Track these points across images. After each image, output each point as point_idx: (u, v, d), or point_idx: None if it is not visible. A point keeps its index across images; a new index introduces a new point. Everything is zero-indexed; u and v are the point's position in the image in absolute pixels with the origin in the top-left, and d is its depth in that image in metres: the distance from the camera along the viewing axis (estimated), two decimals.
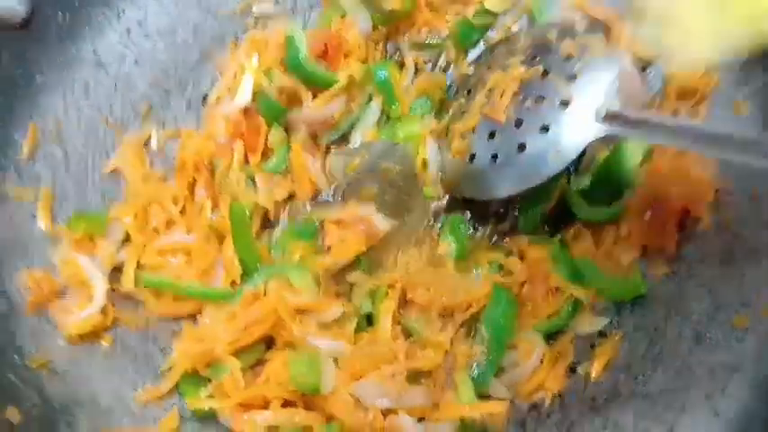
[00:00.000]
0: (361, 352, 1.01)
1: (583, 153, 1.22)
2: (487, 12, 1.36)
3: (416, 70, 1.38)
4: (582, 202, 1.22)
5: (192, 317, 1.11)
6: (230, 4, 1.33)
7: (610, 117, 1.10)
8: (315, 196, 1.30)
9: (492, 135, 1.19)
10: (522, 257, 1.21)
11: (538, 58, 1.19)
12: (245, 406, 0.95)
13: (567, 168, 1.22)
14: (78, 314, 1.01)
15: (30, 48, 1.12)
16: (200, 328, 1.02)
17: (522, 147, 1.15)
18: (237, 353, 0.98)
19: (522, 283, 1.17)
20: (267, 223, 1.26)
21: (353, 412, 0.95)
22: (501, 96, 1.19)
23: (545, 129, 1.13)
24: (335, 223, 1.23)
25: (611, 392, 1.06)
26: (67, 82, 1.17)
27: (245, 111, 1.27)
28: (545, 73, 1.16)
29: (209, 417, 1.01)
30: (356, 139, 1.32)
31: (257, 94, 1.25)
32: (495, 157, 1.18)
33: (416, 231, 1.21)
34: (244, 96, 1.24)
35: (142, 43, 1.26)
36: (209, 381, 1.01)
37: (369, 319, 1.12)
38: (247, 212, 1.16)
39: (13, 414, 0.88)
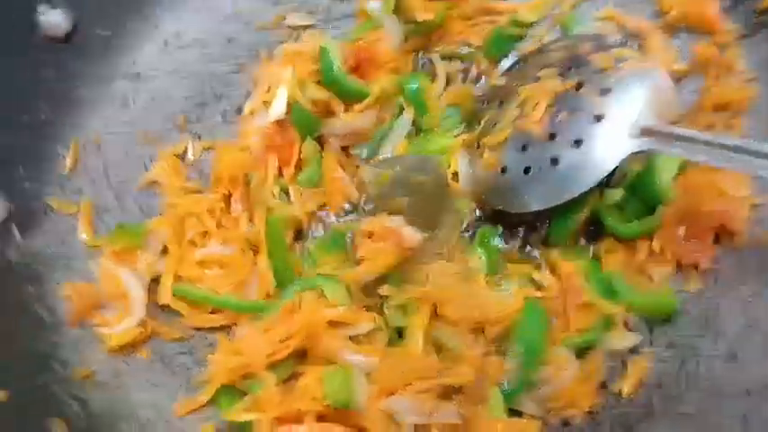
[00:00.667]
0: (394, 367, 1.01)
1: (615, 167, 1.22)
2: (519, 22, 1.35)
3: (447, 81, 1.38)
4: (614, 216, 1.21)
5: (227, 328, 1.13)
6: (265, 15, 1.35)
7: (644, 132, 1.09)
8: (347, 208, 1.31)
9: (524, 148, 1.18)
10: (552, 271, 1.21)
11: (572, 70, 1.18)
12: (281, 419, 0.97)
13: (600, 182, 1.22)
14: (118, 326, 1.04)
15: (72, 61, 1.15)
16: (237, 342, 1.03)
17: (554, 160, 1.14)
18: (272, 366, 1.00)
19: (553, 298, 1.17)
20: (299, 235, 1.28)
21: (387, 427, 0.96)
22: (535, 108, 1.18)
23: (578, 143, 1.12)
24: (367, 236, 1.24)
25: (645, 411, 1.06)
26: (107, 95, 1.20)
27: (279, 123, 1.28)
28: (579, 86, 1.15)
29: (245, 429, 1.03)
30: (387, 152, 1.33)
31: (291, 106, 1.27)
32: (527, 170, 1.17)
33: (447, 244, 1.21)
34: (278, 109, 1.26)
35: (178, 55, 1.28)
36: (246, 393, 1.03)
37: (399, 333, 1.12)
38: (282, 226, 1.16)
39: (59, 426, 0.90)
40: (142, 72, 1.24)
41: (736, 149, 0.98)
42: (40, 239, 1.05)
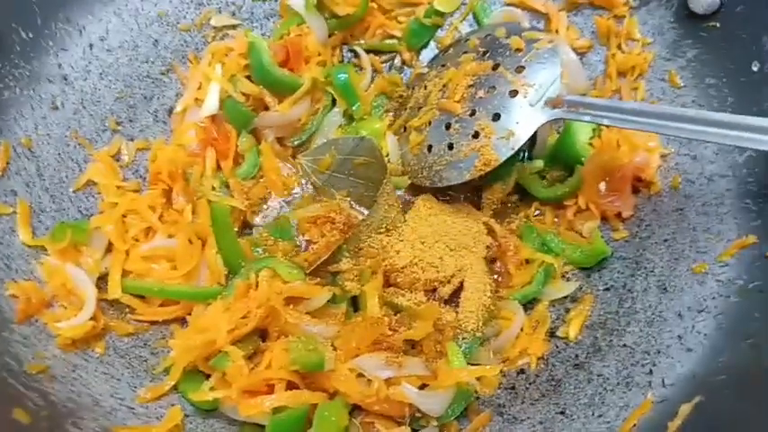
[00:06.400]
0: (355, 330, 1.03)
1: (534, 140, 1.31)
2: (437, 12, 1.43)
3: (374, 72, 1.44)
4: (538, 182, 1.30)
5: (181, 320, 1.11)
6: (189, 17, 1.36)
7: (554, 102, 1.18)
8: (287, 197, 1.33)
9: (447, 126, 1.24)
10: (489, 233, 1.27)
11: (488, 55, 1.27)
12: (250, 393, 0.96)
13: (522, 155, 1.30)
14: (71, 321, 1.01)
15: None
16: (199, 321, 1.02)
17: (476, 135, 1.21)
18: (235, 343, 0.99)
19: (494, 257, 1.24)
20: (244, 228, 1.28)
21: (357, 386, 0.97)
22: (455, 89, 1.25)
23: (497, 117, 1.20)
24: (312, 221, 1.26)
25: (592, 349, 1.13)
26: (35, 97, 1.18)
27: (213, 118, 1.29)
28: (495, 66, 1.23)
29: (210, 411, 1.02)
30: (320, 141, 1.36)
31: (224, 101, 1.28)
32: (450, 146, 1.23)
33: (386, 220, 1.25)
34: (211, 104, 1.27)
35: (105, 58, 1.27)
36: (207, 377, 1.02)
37: (355, 307, 1.15)
38: (228, 213, 1.17)
39: (21, 415, 0.87)
40: (69, 75, 1.22)
41: (634, 112, 1.08)
42: None
